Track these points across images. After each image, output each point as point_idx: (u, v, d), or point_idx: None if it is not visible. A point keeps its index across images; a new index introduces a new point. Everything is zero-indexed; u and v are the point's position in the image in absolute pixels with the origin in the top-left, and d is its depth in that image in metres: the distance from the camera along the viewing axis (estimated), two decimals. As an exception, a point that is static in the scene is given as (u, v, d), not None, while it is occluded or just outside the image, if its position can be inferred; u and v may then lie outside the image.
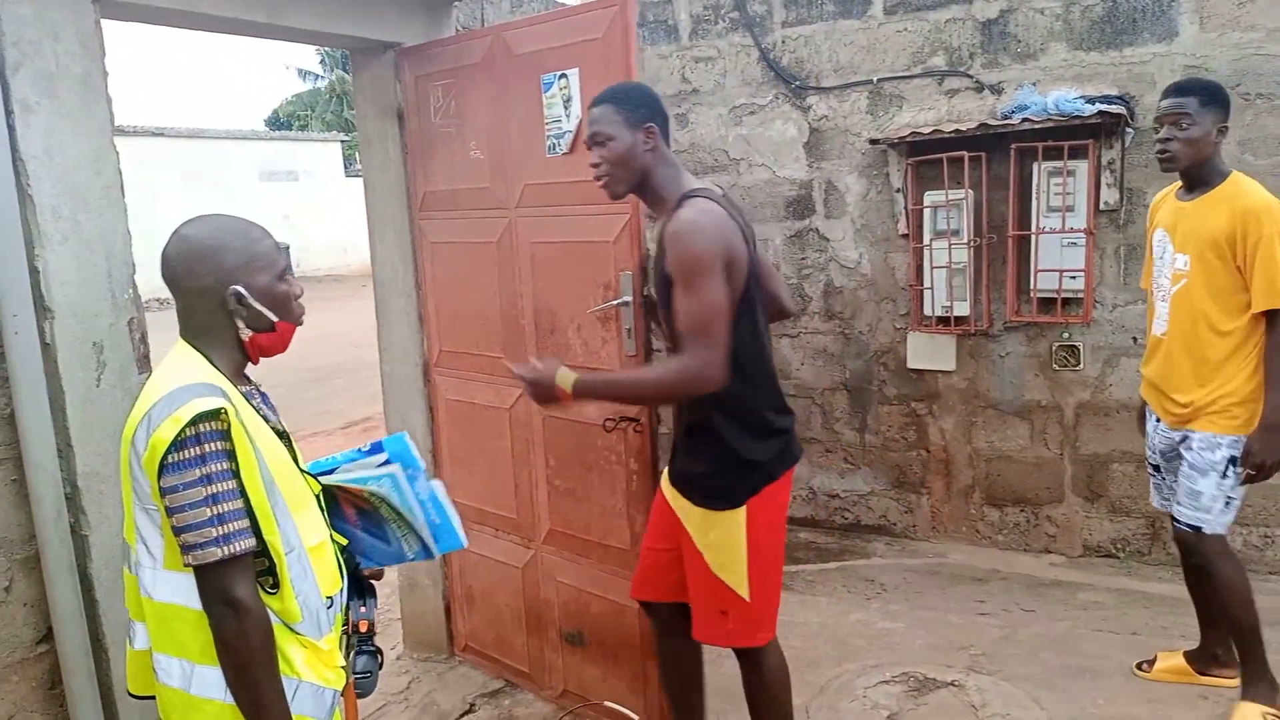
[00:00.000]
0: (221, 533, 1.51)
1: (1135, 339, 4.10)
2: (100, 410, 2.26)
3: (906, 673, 3.39)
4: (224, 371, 1.66)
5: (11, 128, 2.10)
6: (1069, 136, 3.91)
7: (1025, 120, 3.94)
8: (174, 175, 18.88)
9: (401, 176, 3.41)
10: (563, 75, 2.84)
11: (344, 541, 1.91)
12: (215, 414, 1.53)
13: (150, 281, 2.84)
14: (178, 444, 1.50)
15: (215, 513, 1.51)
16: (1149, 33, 3.91)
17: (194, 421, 1.51)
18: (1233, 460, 2.82)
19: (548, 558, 3.24)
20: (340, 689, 1.73)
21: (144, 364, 2.36)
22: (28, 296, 2.13)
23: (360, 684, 1.84)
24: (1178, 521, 2.94)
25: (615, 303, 2.83)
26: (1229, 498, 2.85)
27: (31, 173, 2.13)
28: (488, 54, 3.05)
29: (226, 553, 1.51)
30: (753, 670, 2.59)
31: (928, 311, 4.39)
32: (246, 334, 1.68)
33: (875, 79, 4.44)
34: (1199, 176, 2.87)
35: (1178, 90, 2.85)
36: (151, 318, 2.48)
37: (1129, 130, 3.97)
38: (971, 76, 4.25)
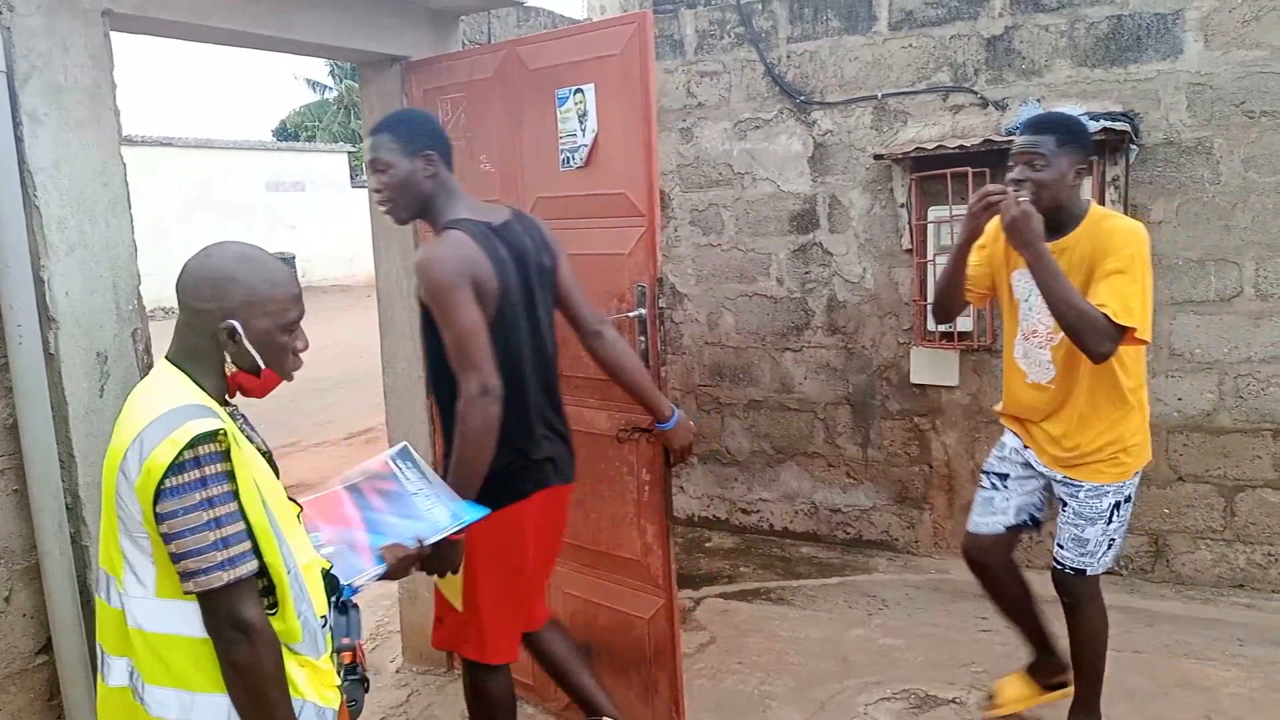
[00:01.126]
0: (226, 556, 1.48)
1: (1139, 356, 4.09)
2: (103, 421, 2.26)
3: (908, 689, 3.37)
4: (209, 394, 1.63)
5: (19, 139, 2.11)
6: (1073, 153, 3.91)
7: (1029, 137, 3.94)
8: (181, 185, 18.94)
9: (406, 189, 3.42)
10: (578, 90, 2.87)
11: (327, 565, 1.86)
12: (214, 435, 1.50)
13: (157, 291, 2.86)
14: (176, 467, 1.46)
15: (219, 536, 1.48)
16: (1154, 50, 3.92)
17: (193, 444, 1.47)
18: (1117, 505, 2.74)
19: (556, 569, 3.23)
20: (337, 708, 1.72)
21: (147, 375, 2.37)
22: (32, 306, 2.14)
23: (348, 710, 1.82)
24: (1060, 564, 2.81)
25: (631, 314, 2.84)
26: (1112, 539, 2.77)
27: (39, 184, 2.14)
28: (501, 68, 3.07)
29: (232, 577, 1.48)
30: (467, 686, 2.64)
31: (931, 327, 4.38)
32: (231, 369, 1.65)
33: (880, 94, 4.45)
34: (1056, 220, 2.62)
35: (1034, 126, 2.62)
36: (155, 327, 2.49)
37: (1133, 147, 3.97)
38: (976, 93, 4.26)
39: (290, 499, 1.79)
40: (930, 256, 4.32)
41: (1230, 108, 3.83)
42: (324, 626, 1.70)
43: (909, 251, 4.45)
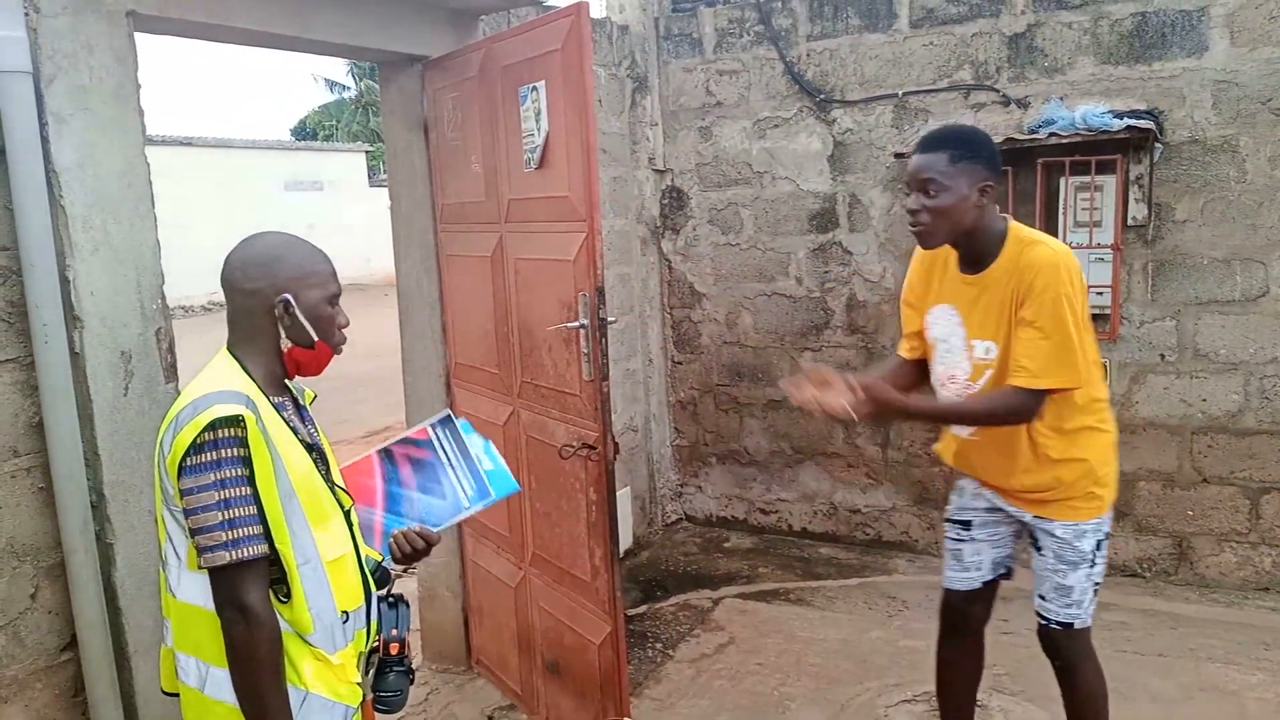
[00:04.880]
0: (231, 537, 1.54)
1: (1163, 356, 4.05)
2: (127, 419, 2.27)
3: (929, 692, 3.34)
4: (258, 380, 1.70)
5: (45, 139, 2.12)
6: (1096, 151, 3.88)
7: (1052, 135, 3.91)
8: (201, 185, 19.06)
9: (427, 189, 3.42)
10: (533, 88, 2.76)
11: (378, 557, 1.92)
12: (234, 420, 1.55)
13: (177, 289, 2.88)
14: (195, 447, 1.54)
15: (226, 517, 1.54)
16: (1178, 47, 3.88)
17: (212, 426, 1.54)
18: (1099, 545, 2.41)
19: (533, 581, 3.21)
20: (355, 705, 1.73)
21: (171, 374, 2.38)
22: (58, 305, 2.15)
23: (389, 701, 1.84)
24: (1046, 620, 2.48)
25: (571, 325, 2.72)
26: (1096, 584, 2.45)
27: (64, 183, 2.16)
28: (481, 66, 3.02)
29: (234, 557, 1.54)
30: None
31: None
32: (286, 345, 1.71)
33: (900, 92, 4.42)
34: (973, 249, 2.33)
35: (924, 145, 2.30)
36: (175, 325, 2.50)
37: (1158, 145, 3.93)
38: (998, 90, 4.22)
39: (346, 492, 1.85)
40: (951, 256, 4.28)
41: (1256, 105, 3.78)
42: (345, 622, 1.71)
43: (929, 251, 4.42)
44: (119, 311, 2.27)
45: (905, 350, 2.61)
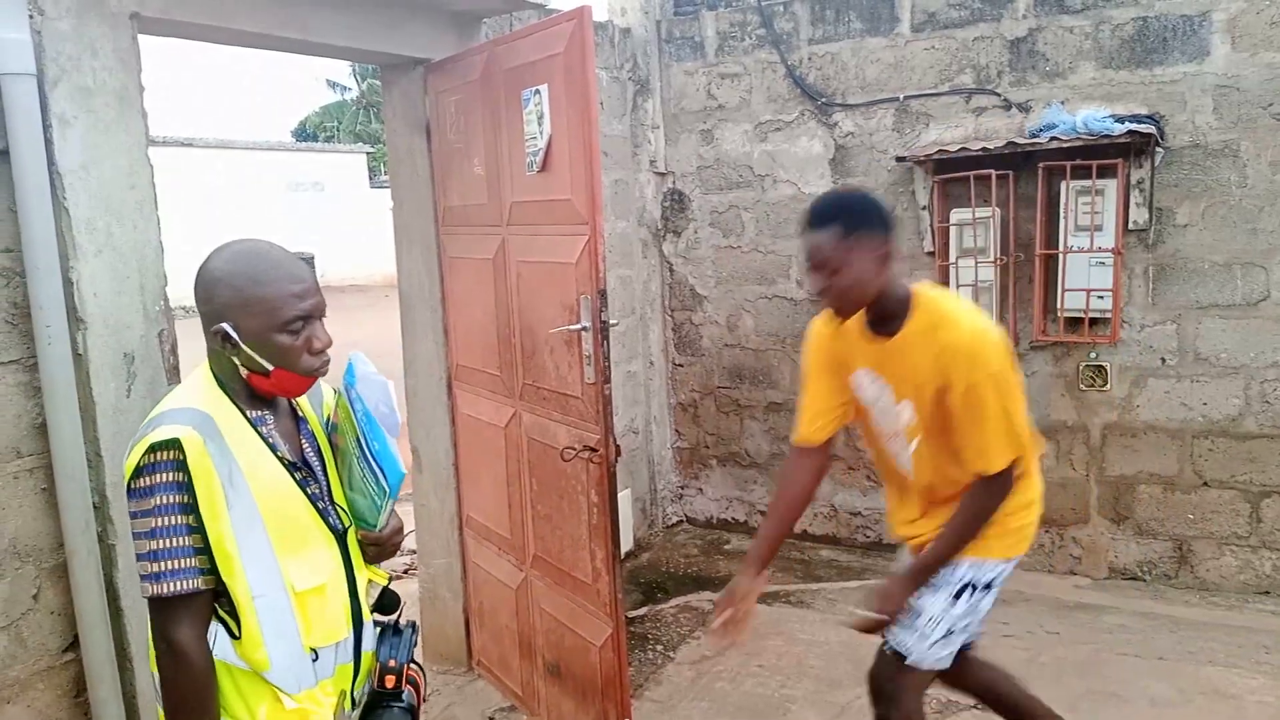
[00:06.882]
0: (153, 570, 1.44)
1: (1164, 359, 4.05)
2: (130, 421, 2.27)
3: (929, 694, 3.33)
4: (233, 394, 1.57)
5: (49, 141, 2.13)
6: (1098, 156, 3.88)
7: (1054, 139, 3.91)
8: (202, 186, 19.09)
9: (429, 191, 3.42)
10: (536, 91, 2.77)
11: (384, 579, 1.77)
12: (171, 444, 1.44)
13: (179, 290, 2.88)
14: (137, 471, 1.46)
15: (150, 548, 1.44)
16: (1180, 52, 3.88)
17: (151, 449, 1.44)
18: (970, 586, 2.29)
19: (535, 582, 3.21)
20: None
21: (173, 375, 2.39)
22: (61, 307, 2.16)
23: None
24: (885, 640, 2.36)
25: (573, 327, 2.73)
26: (951, 629, 2.29)
27: (68, 185, 2.16)
28: (484, 69, 3.03)
29: (153, 592, 1.45)
30: None
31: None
32: (243, 371, 1.57)
33: (902, 96, 4.42)
34: (883, 311, 2.23)
35: (814, 220, 2.18)
36: (178, 326, 2.51)
37: (1159, 150, 3.94)
38: (999, 95, 4.23)
39: (345, 511, 1.70)
40: (952, 259, 4.29)
41: (1258, 110, 3.79)
42: (315, 660, 1.59)
43: (931, 254, 4.42)
44: (122, 313, 2.28)
45: (813, 432, 2.42)
